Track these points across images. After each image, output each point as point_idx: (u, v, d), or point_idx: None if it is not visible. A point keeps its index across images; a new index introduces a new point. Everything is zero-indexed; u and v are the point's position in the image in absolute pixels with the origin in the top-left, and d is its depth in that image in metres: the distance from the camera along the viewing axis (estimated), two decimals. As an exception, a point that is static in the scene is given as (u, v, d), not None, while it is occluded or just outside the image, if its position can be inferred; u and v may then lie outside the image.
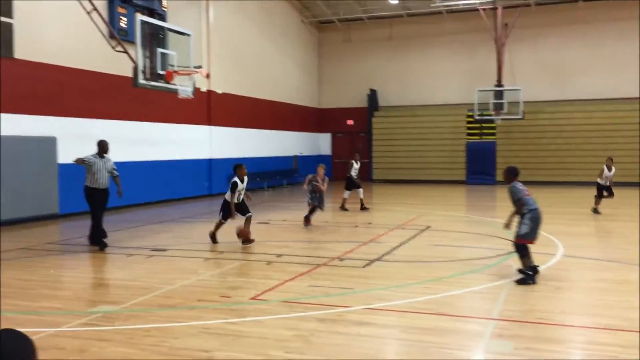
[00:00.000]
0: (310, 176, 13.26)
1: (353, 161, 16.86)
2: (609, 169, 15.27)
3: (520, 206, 7.75)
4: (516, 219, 7.85)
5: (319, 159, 30.18)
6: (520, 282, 7.52)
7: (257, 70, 24.90)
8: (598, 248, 10.45)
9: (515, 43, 26.57)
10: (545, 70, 26.83)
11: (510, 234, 8.08)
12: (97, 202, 10.43)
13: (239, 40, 23.33)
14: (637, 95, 25.32)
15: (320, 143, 31.13)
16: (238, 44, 23.26)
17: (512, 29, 26.10)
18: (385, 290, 7.37)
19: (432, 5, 26.79)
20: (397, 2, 27.12)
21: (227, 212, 10.53)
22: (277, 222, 14.11)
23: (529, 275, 7.55)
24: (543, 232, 11.37)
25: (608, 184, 15.28)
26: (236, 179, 10.41)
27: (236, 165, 10.64)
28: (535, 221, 7.73)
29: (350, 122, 30.57)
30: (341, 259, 9.34)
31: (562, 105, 26.66)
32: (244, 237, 10.43)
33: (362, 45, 30.05)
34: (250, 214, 10.68)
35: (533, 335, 5.56)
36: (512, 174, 8.03)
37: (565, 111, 26.39)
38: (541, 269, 8.26)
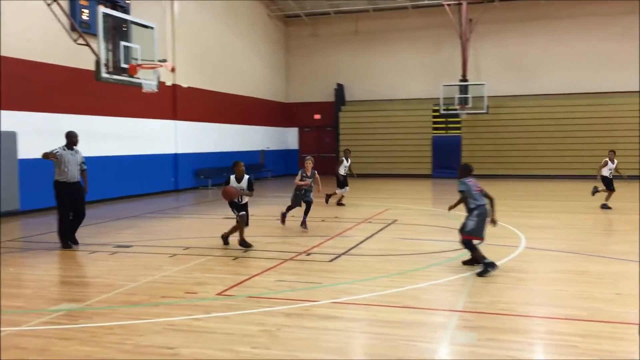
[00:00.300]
0: (300, 172, 12.21)
1: (343, 158, 16.56)
2: (612, 161, 15.21)
3: (464, 199, 8.04)
4: (461, 212, 8.07)
5: (286, 153, 30.17)
6: (480, 274, 7.66)
7: (223, 64, 24.70)
8: (559, 240, 10.67)
9: (480, 38, 26.92)
10: (508, 66, 27.24)
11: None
12: (66, 197, 9.96)
13: (204, 33, 23.09)
14: (598, 90, 25.96)
15: (288, 137, 31.08)
16: (203, 37, 23.03)
17: (476, 24, 26.44)
18: (351, 284, 7.41)
19: (398, 0, 26.94)
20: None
21: (235, 208, 9.84)
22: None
23: (488, 264, 7.72)
24: (507, 225, 11.62)
25: (612, 176, 15.19)
26: (232, 176, 9.78)
27: (233, 163, 10.01)
28: (482, 217, 7.95)
29: (317, 116, 30.58)
30: (308, 254, 9.35)
31: (525, 99, 27.13)
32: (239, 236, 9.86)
33: (328, 40, 30.07)
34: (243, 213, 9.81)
35: (496, 326, 5.65)
36: (464, 171, 8.32)
37: (528, 106, 26.87)
38: (504, 261, 8.42)
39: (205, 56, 23.18)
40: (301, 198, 12.16)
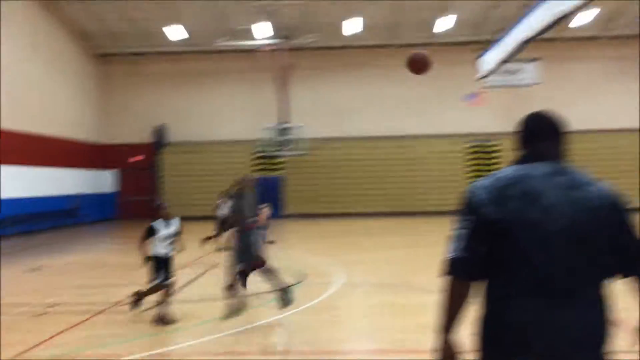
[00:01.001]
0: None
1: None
2: None
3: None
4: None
5: (103, 197, 28.61)
6: (283, 305, 7.77)
7: (32, 103, 22.92)
8: (371, 275, 11.29)
9: (298, 83, 28.09)
10: (325, 109, 28.71)
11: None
12: None
13: (10, 70, 21.24)
14: (401, 134, 28.38)
15: (105, 180, 29.50)
16: (9, 74, 21.17)
17: (293, 70, 27.57)
18: (170, 333, 7.16)
19: (215, 44, 27.20)
20: (180, 38, 27.03)
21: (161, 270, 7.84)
22: (52, 267, 12.96)
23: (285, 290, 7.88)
24: (324, 262, 12.04)
25: None
26: (153, 223, 7.92)
27: (155, 206, 8.58)
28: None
29: (136, 158, 29.49)
30: (122, 304, 8.86)
31: (340, 141, 28.69)
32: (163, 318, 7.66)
33: (148, 80, 29.37)
34: (167, 280, 7.86)
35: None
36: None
37: (343, 147, 28.48)
38: (322, 298, 8.71)
39: (11, 94, 21.31)
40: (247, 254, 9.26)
